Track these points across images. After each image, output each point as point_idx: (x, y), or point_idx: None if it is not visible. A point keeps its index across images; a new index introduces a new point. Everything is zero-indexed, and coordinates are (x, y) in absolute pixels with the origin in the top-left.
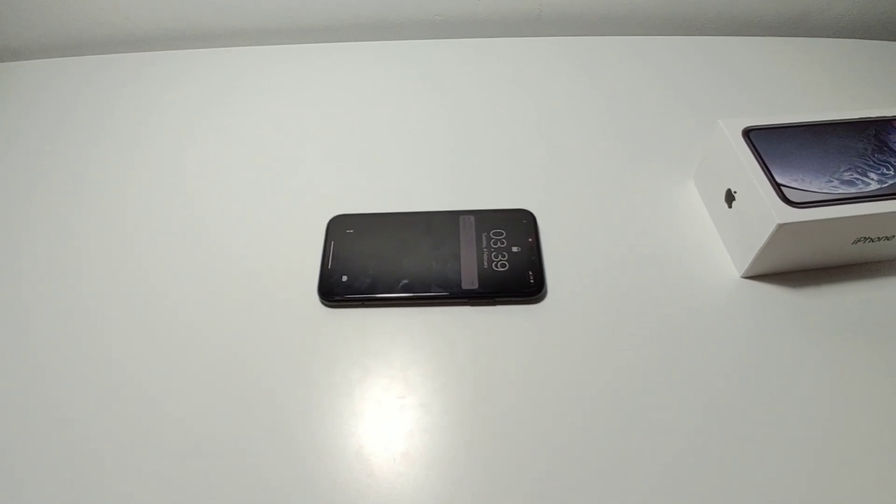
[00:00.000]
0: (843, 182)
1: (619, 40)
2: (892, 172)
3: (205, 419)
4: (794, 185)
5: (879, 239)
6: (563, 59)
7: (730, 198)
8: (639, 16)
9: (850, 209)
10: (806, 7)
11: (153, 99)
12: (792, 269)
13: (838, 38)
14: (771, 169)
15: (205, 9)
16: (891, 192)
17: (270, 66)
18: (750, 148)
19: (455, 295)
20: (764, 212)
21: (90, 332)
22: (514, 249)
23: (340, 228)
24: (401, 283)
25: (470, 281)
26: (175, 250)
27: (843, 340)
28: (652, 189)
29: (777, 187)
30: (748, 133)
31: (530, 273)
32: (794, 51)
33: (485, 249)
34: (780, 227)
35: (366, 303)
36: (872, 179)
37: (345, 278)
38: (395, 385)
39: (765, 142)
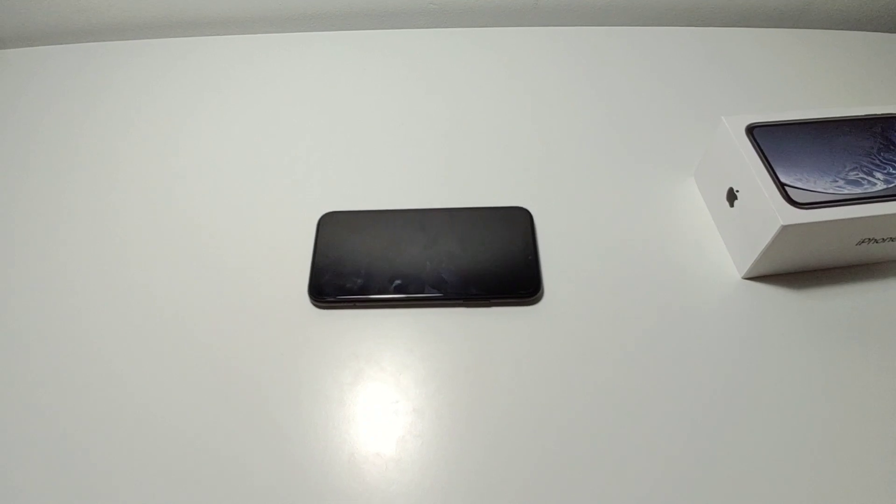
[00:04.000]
0: (849, 182)
1: (619, 31)
2: None
3: (190, 422)
4: (798, 184)
5: (884, 240)
6: (561, 50)
7: (732, 197)
8: (639, 5)
9: (855, 210)
10: None
11: (137, 90)
12: (794, 269)
13: (841, 30)
14: (775, 168)
15: None
16: None
17: (258, 56)
18: (754, 146)
19: (449, 296)
20: (767, 212)
21: (75, 329)
22: (510, 249)
23: (331, 226)
24: (394, 284)
25: (464, 281)
26: (158, 247)
27: (845, 343)
28: (651, 186)
29: (781, 187)
30: (752, 130)
31: (527, 273)
32: (797, 43)
33: (480, 248)
34: (784, 228)
35: (357, 303)
36: (878, 179)
37: (336, 278)
38: (388, 389)
39: (769, 139)
